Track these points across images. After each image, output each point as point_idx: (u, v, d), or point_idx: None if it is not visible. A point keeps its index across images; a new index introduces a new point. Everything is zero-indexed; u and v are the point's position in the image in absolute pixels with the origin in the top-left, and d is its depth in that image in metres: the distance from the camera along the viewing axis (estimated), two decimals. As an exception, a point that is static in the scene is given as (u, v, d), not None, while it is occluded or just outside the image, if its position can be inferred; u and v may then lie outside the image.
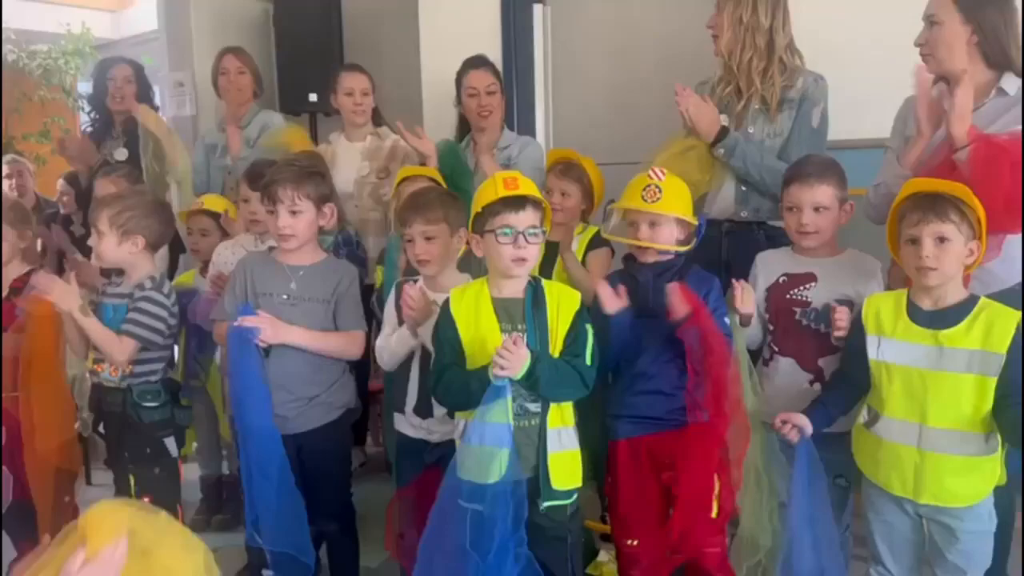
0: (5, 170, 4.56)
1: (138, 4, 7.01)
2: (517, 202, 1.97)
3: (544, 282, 2.07)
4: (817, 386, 2.25)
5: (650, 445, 2.22)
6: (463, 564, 1.86)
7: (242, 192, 2.89)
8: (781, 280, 2.35)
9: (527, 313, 2.00)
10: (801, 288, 2.31)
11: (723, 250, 2.72)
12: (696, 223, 2.27)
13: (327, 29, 4.37)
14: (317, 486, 2.45)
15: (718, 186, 2.73)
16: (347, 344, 2.43)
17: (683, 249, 2.26)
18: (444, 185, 2.87)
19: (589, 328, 2.03)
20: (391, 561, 2.59)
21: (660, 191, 2.20)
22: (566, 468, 2.00)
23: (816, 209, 2.27)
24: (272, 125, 3.68)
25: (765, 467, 2.20)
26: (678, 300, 2.09)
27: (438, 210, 2.33)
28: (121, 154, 3.80)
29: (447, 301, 2.06)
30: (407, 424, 2.39)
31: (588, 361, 2.00)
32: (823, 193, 2.27)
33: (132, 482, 2.48)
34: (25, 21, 6.76)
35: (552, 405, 1.99)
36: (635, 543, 2.24)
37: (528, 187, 2.02)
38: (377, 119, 3.55)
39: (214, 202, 3.20)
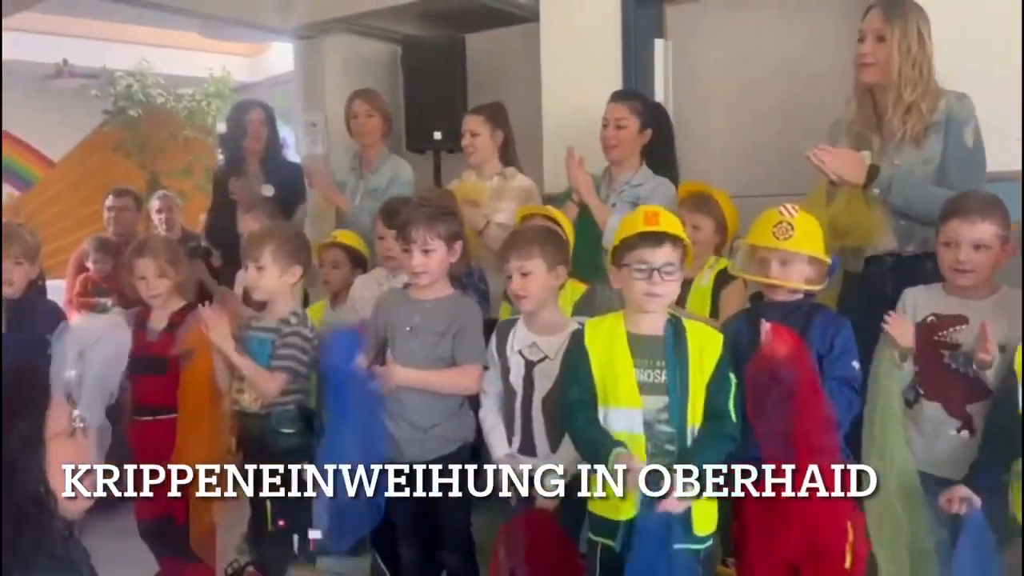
0: (156, 204, 4.91)
1: (273, 48, 7.45)
2: (655, 238, 1.97)
3: (685, 321, 2.04)
4: (965, 434, 2.13)
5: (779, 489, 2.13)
6: None
7: (378, 229, 3.00)
8: (929, 320, 2.24)
9: (668, 353, 1.98)
10: (951, 330, 2.20)
11: (889, 286, 2.53)
12: (829, 261, 2.20)
13: (451, 68, 4.49)
14: (435, 516, 2.50)
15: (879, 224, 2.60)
16: (460, 378, 2.46)
17: (815, 288, 2.19)
18: (560, 223, 2.88)
19: (732, 378, 1.99)
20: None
21: (792, 228, 2.15)
22: (704, 511, 1.97)
23: (976, 247, 2.15)
24: (401, 176, 3.77)
25: (909, 517, 2.09)
26: (774, 341, 2.00)
27: (534, 246, 2.35)
28: (268, 191, 3.99)
29: (580, 333, 2.07)
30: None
31: (732, 416, 1.97)
32: (985, 230, 2.15)
33: (268, 507, 2.58)
34: (174, 67, 7.31)
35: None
36: None
37: (670, 224, 2.01)
38: (507, 159, 3.58)
39: (347, 236, 3.34)
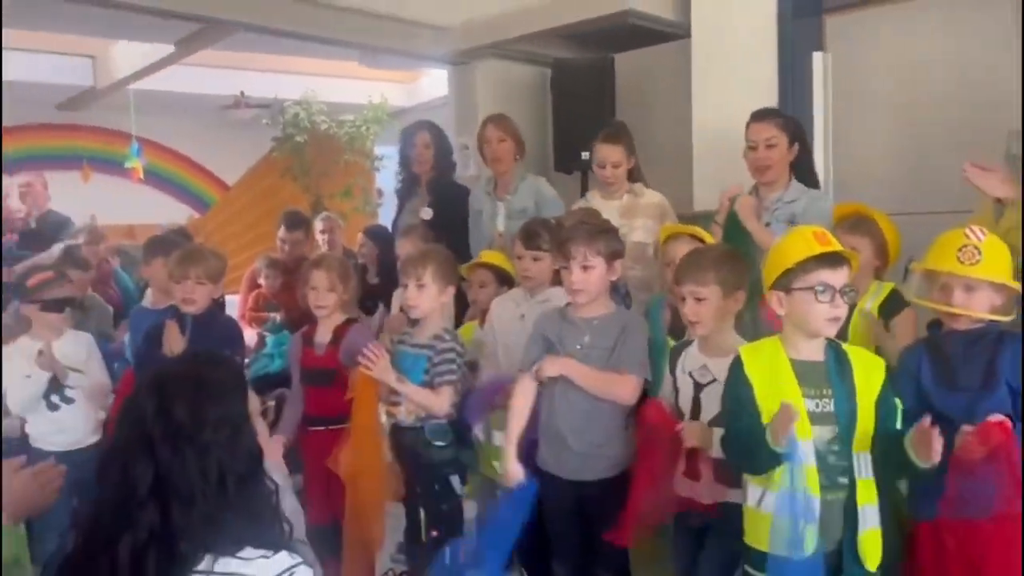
0: (319, 226, 5.20)
1: (428, 74, 7.75)
2: (834, 259, 1.90)
3: (844, 346, 1.96)
4: None
5: (956, 530, 2.01)
6: None
7: (516, 250, 3.06)
8: None
9: (832, 378, 1.90)
10: None
11: None
12: (1020, 289, 2.04)
13: (600, 89, 4.52)
14: (594, 535, 2.49)
15: None
16: (618, 384, 2.41)
17: (1004, 319, 2.04)
18: (707, 241, 2.83)
19: (898, 402, 1.91)
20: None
21: (979, 253, 2.01)
22: (873, 547, 1.87)
23: None
24: (546, 195, 3.81)
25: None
26: (975, 445, 1.87)
27: (709, 271, 2.28)
28: (427, 214, 4.11)
29: (738, 361, 2.00)
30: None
31: (903, 441, 1.85)
32: None
33: (423, 515, 2.67)
34: (336, 95, 7.74)
35: (860, 480, 1.87)
36: None
37: (837, 244, 1.94)
38: (634, 176, 3.53)
39: (493, 257, 3.41)
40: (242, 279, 5.02)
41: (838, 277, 1.88)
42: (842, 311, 1.89)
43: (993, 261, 2.01)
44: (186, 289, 3.03)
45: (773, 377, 1.93)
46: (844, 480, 1.87)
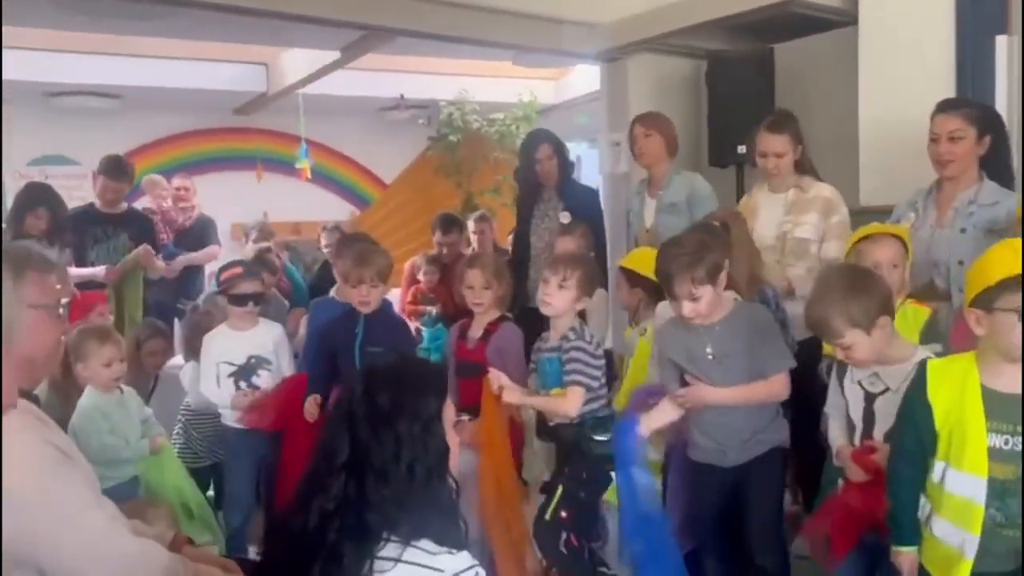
0: (472, 226, 5.35)
1: (576, 70, 7.77)
2: None
3: None
4: None
5: None
6: None
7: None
8: None
9: None
10: None
11: None
12: None
13: (759, 82, 4.39)
14: (750, 518, 2.57)
15: None
16: (769, 390, 2.48)
17: None
18: (907, 244, 2.69)
19: None
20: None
21: None
22: None
23: None
24: (700, 191, 3.75)
25: None
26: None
27: (836, 319, 2.10)
28: (565, 217, 4.21)
29: (924, 372, 1.87)
30: None
31: None
32: None
33: (559, 493, 2.69)
34: (489, 94, 7.91)
35: None
36: None
37: None
38: (803, 168, 3.39)
39: (630, 260, 3.34)
40: (401, 274, 5.24)
41: None
42: None
43: None
44: (362, 293, 3.18)
45: (960, 403, 1.78)
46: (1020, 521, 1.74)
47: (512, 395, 2.72)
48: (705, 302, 2.44)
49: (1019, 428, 1.74)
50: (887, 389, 2.13)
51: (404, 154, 8.93)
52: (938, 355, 2.22)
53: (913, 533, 1.86)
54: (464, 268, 3.17)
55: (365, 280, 3.16)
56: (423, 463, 1.47)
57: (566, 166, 4.40)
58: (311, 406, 3.18)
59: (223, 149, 8.10)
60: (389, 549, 1.42)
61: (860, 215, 3.32)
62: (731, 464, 2.54)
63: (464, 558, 1.44)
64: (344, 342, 3.21)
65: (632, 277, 3.19)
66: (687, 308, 2.44)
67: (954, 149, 2.87)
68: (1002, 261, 1.76)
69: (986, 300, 1.75)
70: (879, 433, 2.14)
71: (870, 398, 2.17)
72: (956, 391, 1.80)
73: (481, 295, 3.08)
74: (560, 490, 2.71)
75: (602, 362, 2.79)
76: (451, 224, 5.17)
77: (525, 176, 4.52)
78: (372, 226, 8.30)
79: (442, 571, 1.40)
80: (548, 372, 2.76)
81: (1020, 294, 1.71)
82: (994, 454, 1.75)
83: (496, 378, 2.72)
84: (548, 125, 6.05)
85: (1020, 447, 1.74)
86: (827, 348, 2.68)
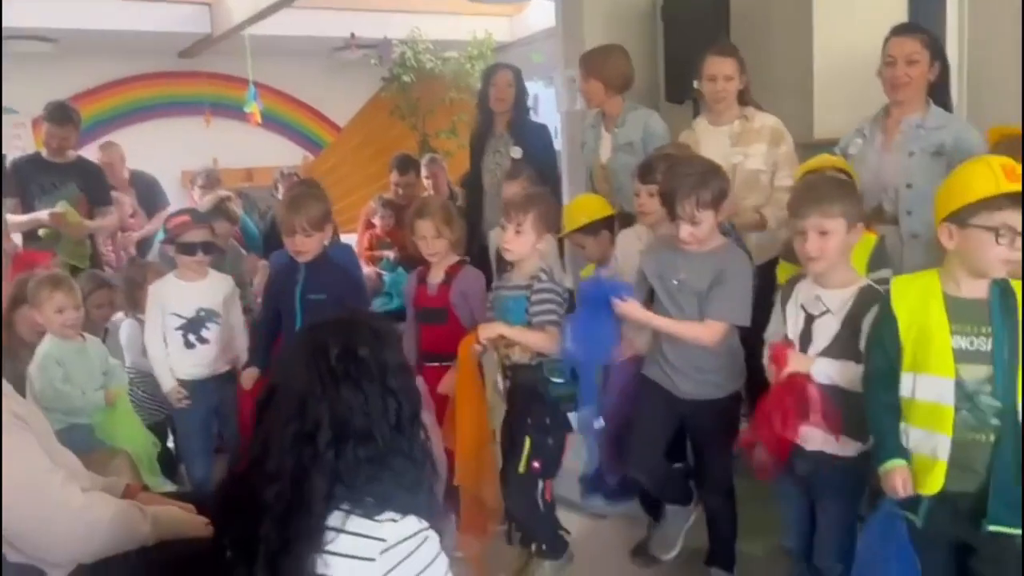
0: (424, 170, 5.27)
1: (532, 6, 7.62)
2: (1020, 199, 1.76)
3: (1012, 282, 1.84)
4: None
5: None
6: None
7: (635, 187, 3.01)
8: None
9: (994, 317, 1.80)
10: None
11: None
12: None
13: (715, 16, 4.33)
14: (701, 456, 2.67)
15: None
16: (697, 331, 2.48)
17: None
18: (853, 178, 2.70)
19: None
20: (776, 554, 2.59)
21: None
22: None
23: None
24: (655, 130, 3.70)
25: None
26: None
27: (836, 203, 2.16)
28: (516, 152, 4.15)
29: (888, 292, 1.93)
30: None
31: None
32: None
33: (528, 445, 2.71)
34: (441, 32, 7.74)
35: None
36: None
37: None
38: (745, 100, 3.35)
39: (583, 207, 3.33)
40: (358, 218, 5.18)
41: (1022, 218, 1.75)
42: (1019, 254, 1.77)
43: None
44: (295, 243, 3.06)
45: (923, 312, 1.84)
46: (997, 422, 1.79)
47: (494, 330, 2.70)
48: (705, 228, 2.44)
49: (983, 329, 1.79)
50: (827, 311, 2.16)
51: (357, 96, 8.73)
52: (886, 280, 2.26)
53: (899, 449, 1.88)
54: (412, 219, 3.09)
55: (296, 229, 3.03)
56: (408, 415, 1.44)
57: (522, 99, 4.33)
58: (247, 379, 3.13)
59: (168, 94, 7.84)
60: (333, 518, 1.36)
61: (815, 148, 3.34)
62: (683, 395, 2.57)
63: (410, 524, 1.38)
64: (285, 292, 3.13)
65: (591, 228, 3.17)
66: (685, 231, 2.43)
67: (911, 72, 2.87)
68: (981, 178, 1.79)
69: (962, 216, 1.80)
70: (812, 353, 2.17)
71: (809, 319, 2.20)
72: (919, 301, 1.86)
73: (434, 244, 3.03)
74: (529, 442, 2.73)
75: (566, 306, 2.80)
76: (407, 165, 5.09)
77: (482, 107, 4.45)
78: (327, 171, 8.17)
79: (384, 540, 1.35)
80: (512, 310, 2.74)
81: (998, 213, 1.75)
82: (960, 355, 1.80)
83: (491, 329, 2.70)
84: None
85: (985, 348, 1.79)
86: (781, 274, 2.74)
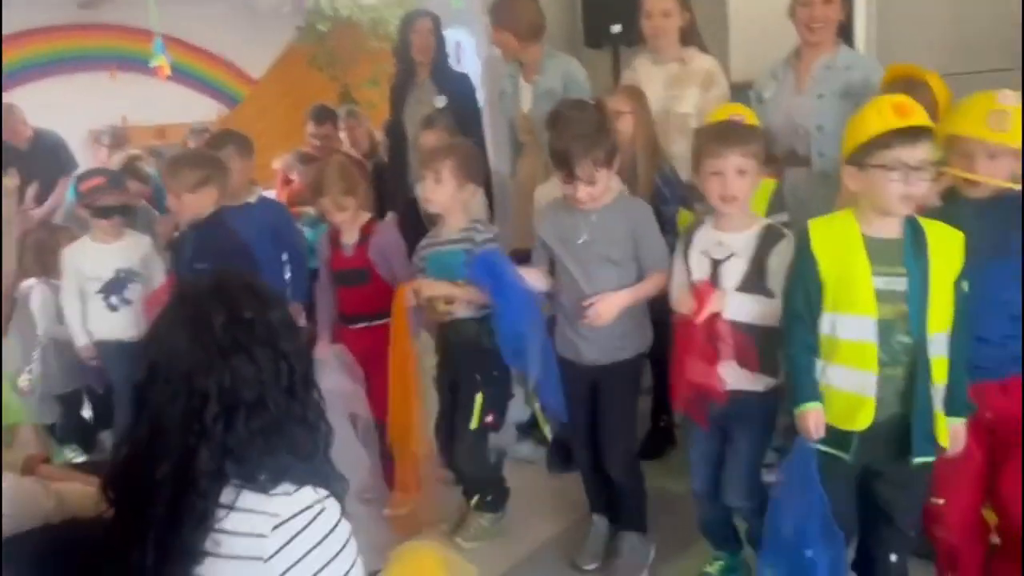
0: (342, 124, 5.12)
1: (450, -50, 7.41)
2: (911, 134, 1.79)
3: (923, 221, 1.89)
4: None
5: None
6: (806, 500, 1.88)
7: (549, 137, 2.97)
8: None
9: (907, 256, 1.85)
10: None
11: None
12: None
13: (631, -43, 4.28)
14: (604, 421, 2.54)
15: None
16: (656, 284, 2.41)
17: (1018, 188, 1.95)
18: (754, 122, 2.69)
19: (965, 285, 1.86)
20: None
21: (1009, 118, 1.90)
22: (942, 425, 1.89)
23: None
24: (576, 77, 3.64)
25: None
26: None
27: (752, 144, 2.18)
28: (440, 101, 4.04)
29: (806, 234, 1.95)
30: None
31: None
32: None
33: (479, 400, 2.71)
34: (358, -22, 7.48)
35: (933, 359, 1.86)
36: (942, 502, 2.07)
37: (920, 115, 1.82)
38: (688, 39, 3.31)
39: None
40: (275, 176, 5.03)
41: (916, 154, 1.78)
42: (918, 188, 1.81)
43: (1018, 127, 1.91)
44: (172, 204, 2.98)
45: (844, 253, 1.88)
46: (907, 358, 1.86)
47: (436, 288, 2.65)
48: (601, 186, 2.38)
49: (897, 269, 1.85)
50: (732, 255, 2.18)
51: (272, 46, 8.39)
52: (784, 224, 2.34)
53: (814, 391, 1.92)
54: (314, 195, 3.01)
55: (172, 189, 2.93)
56: (302, 377, 1.37)
57: (442, 47, 4.21)
58: None
59: (70, 48, 7.42)
60: (225, 495, 1.30)
61: (732, 91, 3.34)
62: (592, 362, 2.48)
63: (305, 495, 1.31)
64: (180, 260, 3.03)
65: None
66: (583, 192, 2.35)
67: (828, 12, 2.87)
68: (873, 119, 1.83)
69: (859, 157, 1.84)
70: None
71: (715, 264, 2.21)
72: (838, 241, 1.90)
73: (341, 214, 2.95)
74: (480, 396, 2.72)
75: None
76: (323, 116, 4.93)
77: (401, 55, 4.32)
78: (243, 125, 7.78)
79: (277, 515, 1.29)
80: (451, 265, 2.67)
81: (887, 151, 1.79)
82: (879, 295, 1.85)
83: (422, 288, 2.65)
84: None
85: (899, 288, 1.84)
86: (681, 221, 2.75)
